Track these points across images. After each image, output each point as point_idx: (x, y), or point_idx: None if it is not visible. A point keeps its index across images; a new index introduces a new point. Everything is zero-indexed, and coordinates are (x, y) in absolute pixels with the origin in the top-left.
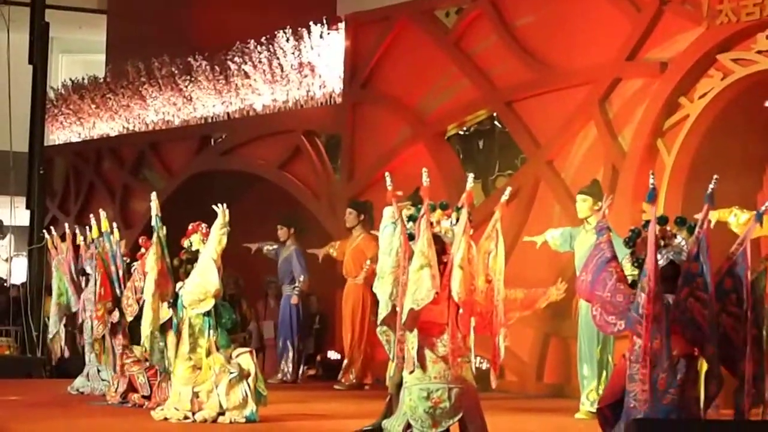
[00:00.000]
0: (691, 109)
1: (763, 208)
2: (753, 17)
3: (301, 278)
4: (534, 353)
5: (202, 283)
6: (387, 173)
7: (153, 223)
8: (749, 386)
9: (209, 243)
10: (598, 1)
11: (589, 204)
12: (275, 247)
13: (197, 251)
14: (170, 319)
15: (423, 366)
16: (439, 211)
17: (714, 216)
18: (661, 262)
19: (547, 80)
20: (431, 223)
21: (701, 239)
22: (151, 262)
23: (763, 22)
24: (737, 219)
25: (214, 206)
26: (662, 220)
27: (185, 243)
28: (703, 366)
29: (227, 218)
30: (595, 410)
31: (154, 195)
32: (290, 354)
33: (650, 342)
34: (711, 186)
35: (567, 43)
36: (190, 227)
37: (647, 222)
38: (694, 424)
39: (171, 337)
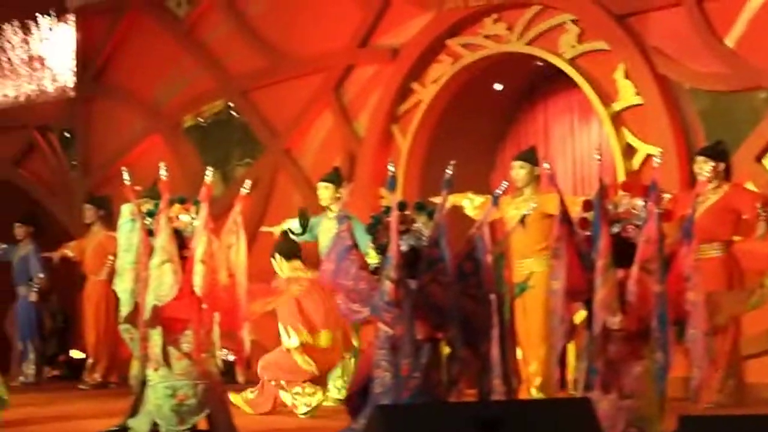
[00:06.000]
0: (423, 95)
1: (498, 191)
2: (479, 2)
3: (40, 275)
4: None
5: None
6: (123, 168)
7: None
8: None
9: None
10: None
11: (331, 191)
12: (3, 246)
13: None
14: None
15: (167, 363)
16: (177, 206)
17: (450, 200)
18: (403, 248)
19: (281, 69)
20: (170, 218)
21: (441, 225)
22: None
23: (489, 7)
24: (472, 203)
25: None
26: (401, 206)
27: None
28: (446, 350)
29: None
30: (342, 397)
31: None
32: (31, 355)
33: (394, 328)
34: (448, 171)
35: (300, 31)
36: None
37: (387, 208)
38: (438, 407)
39: None
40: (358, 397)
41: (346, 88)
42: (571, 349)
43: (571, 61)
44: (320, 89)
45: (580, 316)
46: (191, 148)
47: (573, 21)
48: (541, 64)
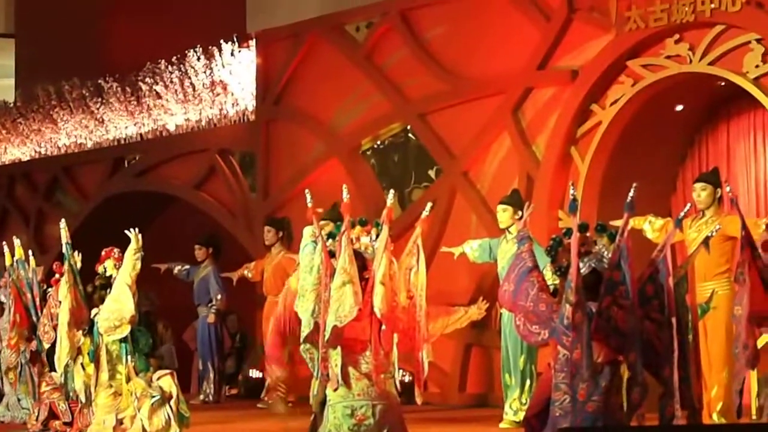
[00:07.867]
0: (603, 116)
1: (682, 213)
2: (661, 23)
3: (218, 297)
4: (456, 364)
5: (118, 310)
6: (307, 191)
7: (63, 250)
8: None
9: (123, 268)
10: (507, 11)
11: (509, 213)
12: (187, 267)
13: (111, 277)
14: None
15: (347, 383)
16: (358, 228)
17: (630, 223)
18: (583, 270)
19: (459, 91)
20: (351, 240)
21: (622, 247)
22: (63, 290)
23: (671, 28)
24: (652, 226)
25: (126, 231)
26: (582, 228)
27: (99, 269)
28: (627, 373)
29: (140, 243)
30: (518, 420)
31: (62, 223)
32: (211, 374)
33: (572, 352)
34: (631, 194)
35: (478, 53)
36: (103, 253)
37: (567, 230)
38: (619, 431)
39: (89, 364)
40: (536, 419)
41: (524, 111)
42: (753, 375)
43: (756, 81)
44: (498, 111)
45: (762, 340)
46: (369, 171)
47: (758, 40)
48: (723, 84)
